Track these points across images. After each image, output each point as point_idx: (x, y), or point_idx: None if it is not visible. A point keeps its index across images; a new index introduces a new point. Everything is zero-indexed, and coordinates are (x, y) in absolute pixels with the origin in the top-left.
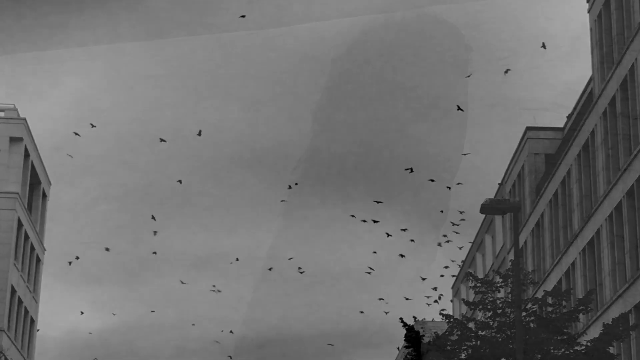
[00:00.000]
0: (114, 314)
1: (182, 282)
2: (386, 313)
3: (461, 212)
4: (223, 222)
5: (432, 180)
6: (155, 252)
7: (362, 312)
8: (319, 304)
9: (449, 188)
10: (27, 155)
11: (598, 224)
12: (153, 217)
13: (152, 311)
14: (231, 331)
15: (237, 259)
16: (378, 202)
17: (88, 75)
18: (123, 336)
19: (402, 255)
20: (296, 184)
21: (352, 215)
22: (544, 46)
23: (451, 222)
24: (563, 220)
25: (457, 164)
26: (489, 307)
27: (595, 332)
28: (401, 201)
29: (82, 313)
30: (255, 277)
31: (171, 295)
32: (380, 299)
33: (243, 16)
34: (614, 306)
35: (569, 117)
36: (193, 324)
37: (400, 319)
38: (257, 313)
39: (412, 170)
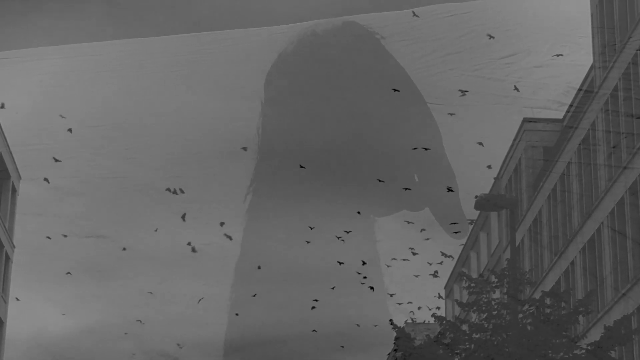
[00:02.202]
0: (63, 314)
1: (150, 292)
2: (375, 326)
3: (471, 222)
4: (205, 217)
5: (451, 190)
6: (125, 249)
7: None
8: (305, 304)
9: (451, 190)
10: None
11: (599, 221)
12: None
13: (138, 319)
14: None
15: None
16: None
17: (60, 69)
18: (99, 337)
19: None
20: (181, 190)
21: (310, 227)
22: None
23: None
24: (562, 216)
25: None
26: (483, 308)
27: (596, 334)
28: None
29: (63, 314)
30: (235, 276)
31: (149, 294)
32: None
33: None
34: (616, 307)
35: (568, 107)
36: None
37: (390, 320)
38: (238, 314)
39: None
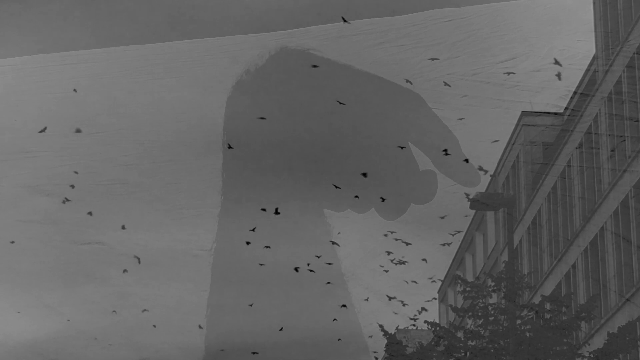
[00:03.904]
0: (18, 312)
1: (125, 271)
2: (370, 337)
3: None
4: (181, 216)
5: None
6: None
7: (344, 305)
8: (291, 308)
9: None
10: None
11: (602, 221)
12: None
13: (114, 311)
14: (200, 326)
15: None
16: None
17: (23, 67)
18: (69, 343)
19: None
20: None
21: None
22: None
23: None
24: (563, 217)
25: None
26: (479, 314)
27: (599, 342)
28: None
29: (18, 312)
30: (220, 278)
31: (122, 296)
32: (343, 305)
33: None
34: (620, 313)
35: (568, 111)
36: (155, 326)
37: (381, 326)
38: (221, 318)
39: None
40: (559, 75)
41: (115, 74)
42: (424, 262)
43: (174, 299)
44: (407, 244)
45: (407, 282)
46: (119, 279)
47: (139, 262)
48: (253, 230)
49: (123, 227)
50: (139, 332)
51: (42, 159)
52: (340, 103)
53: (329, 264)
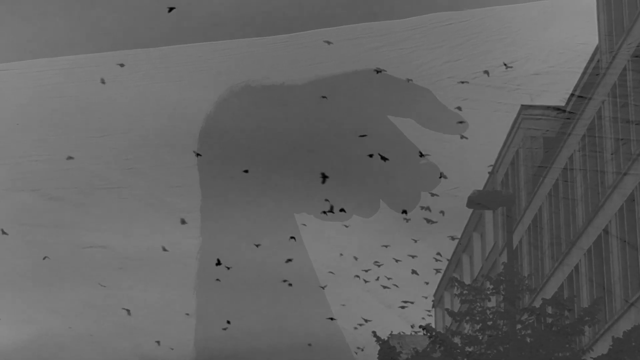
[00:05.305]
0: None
1: (102, 285)
2: (362, 349)
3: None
4: (161, 216)
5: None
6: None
7: (332, 318)
8: (276, 313)
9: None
10: None
11: (606, 220)
12: None
13: (127, 310)
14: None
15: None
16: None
17: (23, 71)
18: (38, 352)
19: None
20: None
21: None
22: None
23: (426, 219)
24: (565, 215)
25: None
26: (477, 318)
27: (603, 347)
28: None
29: None
30: (198, 282)
31: (96, 302)
32: (331, 318)
33: (172, 8)
34: (625, 317)
35: (571, 93)
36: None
37: (373, 332)
38: (202, 325)
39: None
40: (487, 72)
41: (116, 76)
42: (399, 262)
43: (173, 300)
44: (399, 260)
45: (392, 286)
46: (120, 282)
47: (164, 250)
48: (257, 246)
49: (183, 222)
50: (139, 333)
51: (42, 162)
52: (323, 97)
53: (331, 272)
